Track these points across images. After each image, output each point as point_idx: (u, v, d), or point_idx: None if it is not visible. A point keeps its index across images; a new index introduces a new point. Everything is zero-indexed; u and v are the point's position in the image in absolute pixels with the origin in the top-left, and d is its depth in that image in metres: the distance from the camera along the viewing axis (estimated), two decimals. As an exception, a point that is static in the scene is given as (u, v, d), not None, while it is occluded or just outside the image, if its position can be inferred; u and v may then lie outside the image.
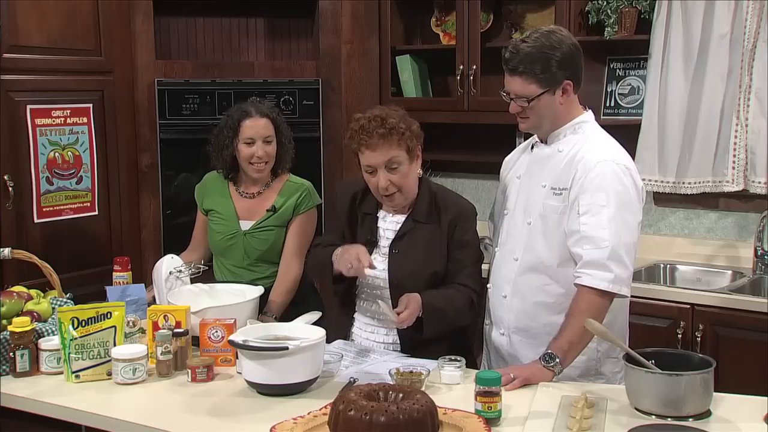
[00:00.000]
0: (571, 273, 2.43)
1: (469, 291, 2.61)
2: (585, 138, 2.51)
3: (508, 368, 2.40)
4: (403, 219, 2.66)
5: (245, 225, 3.10)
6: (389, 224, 2.68)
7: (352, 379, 2.36)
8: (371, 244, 2.67)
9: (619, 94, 4.06)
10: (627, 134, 3.20)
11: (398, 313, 2.46)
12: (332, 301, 2.85)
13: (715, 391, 2.13)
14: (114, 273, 3.04)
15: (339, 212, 2.78)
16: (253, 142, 3.04)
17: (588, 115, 2.58)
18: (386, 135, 2.51)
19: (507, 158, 2.79)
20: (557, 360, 2.32)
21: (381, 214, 2.71)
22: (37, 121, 3.68)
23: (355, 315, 2.74)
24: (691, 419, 2.06)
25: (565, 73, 2.46)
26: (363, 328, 2.71)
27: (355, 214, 2.74)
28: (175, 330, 2.51)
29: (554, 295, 2.51)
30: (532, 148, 2.64)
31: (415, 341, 2.59)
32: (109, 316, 2.46)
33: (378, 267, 2.62)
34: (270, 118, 3.08)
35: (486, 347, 2.73)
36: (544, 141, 2.59)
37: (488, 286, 2.70)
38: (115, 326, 2.46)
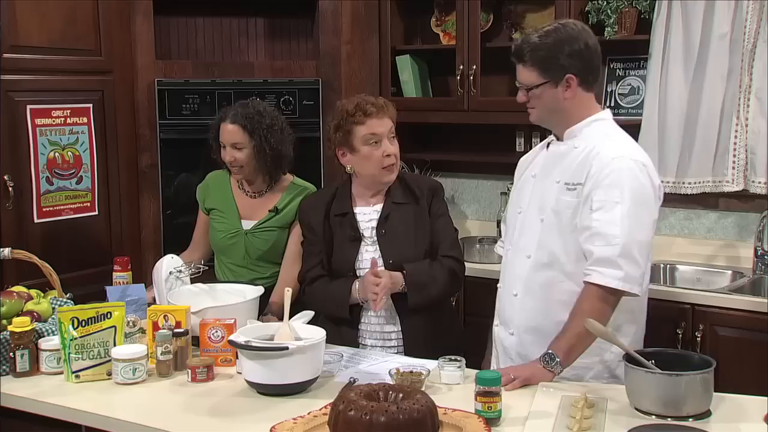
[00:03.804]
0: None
1: (452, 261, 2.75)
2: (601, 134, 2.48)
3: (509, 368, 2.39)
4: (381, 205, 2.77)
5: (246, 224, 3.11)
6: (369, 215, 2.78)
7: (352, 379, 2.36)
8: (356, 240, 2.75)
9: (619, 94, 4.06)
10: (627, 134, 3.19)
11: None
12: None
13: (715, 391, 2.12)
14: (114, 273, 3.04)
15: (313, 229, 2.83)
16: (225, 147, 3.07)
17: (605, 113, 2.57)
18: (383, 106, 2.75)
19: (522, 158, 2.76)
20: (557, 360, 2.30)
21: (357, 210, 2.80)
22: (37, 121, 3.68)
23: (361, 312, 2.76)
24: (691, 419, 2.06)
25: (569, 67, 2.44)
26: (369, 321, 2.75)
27: (329, 222, 2.80)
28: (175, 330, 2.51)
29: (568, 293, 2.44)
30: (548, 146, 2.62)
31: (419, 336, 2.70)
32: (109, 316, 2.46)
33: (372, 256, 2.72)
34: (241, 125, 3.03)
35: (495, 348, 2.69)
36: (560, 139, 2.57)
37: (498, 285, 2.68)
38: (115, 326, 2.47)
